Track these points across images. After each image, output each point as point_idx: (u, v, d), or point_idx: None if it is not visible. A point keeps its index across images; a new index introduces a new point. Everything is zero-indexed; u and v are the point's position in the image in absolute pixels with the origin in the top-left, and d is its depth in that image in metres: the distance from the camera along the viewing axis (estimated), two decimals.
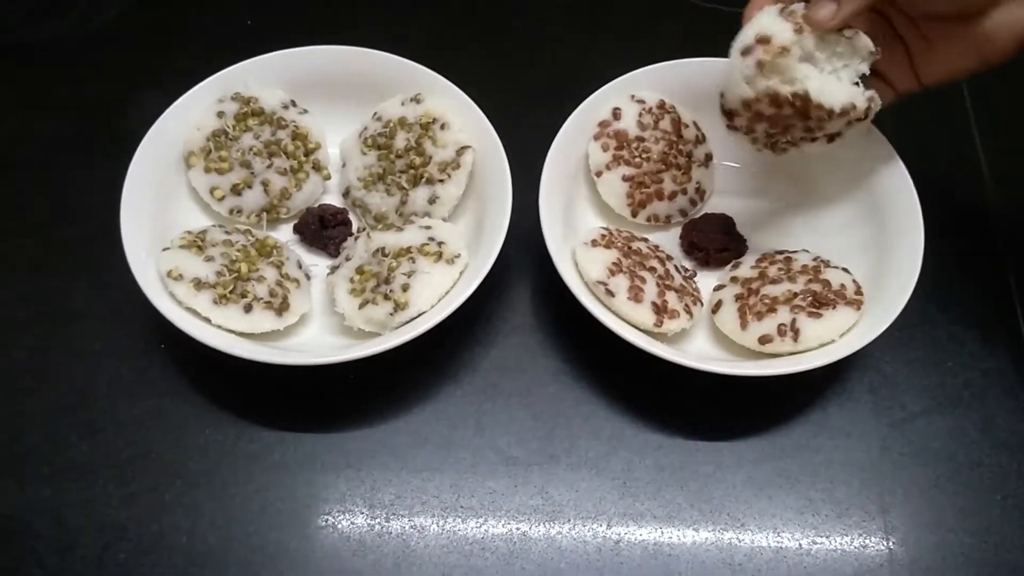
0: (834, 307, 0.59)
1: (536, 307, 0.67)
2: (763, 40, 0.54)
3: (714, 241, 0.67)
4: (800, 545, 0.58)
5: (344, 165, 0.69)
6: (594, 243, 0.61)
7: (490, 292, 0.66)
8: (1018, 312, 0.67)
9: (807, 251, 0.65)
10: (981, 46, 0.53)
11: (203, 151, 0.66)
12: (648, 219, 0.68)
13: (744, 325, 0.60)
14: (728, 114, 0.59)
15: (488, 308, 0.66)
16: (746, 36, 0.55)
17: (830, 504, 0.59)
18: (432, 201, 0.65)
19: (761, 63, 0.54)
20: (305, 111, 0.69)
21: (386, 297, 0.59)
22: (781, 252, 0.65)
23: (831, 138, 0.60)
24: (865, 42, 0.55)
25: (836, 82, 0.56)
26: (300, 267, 0.65)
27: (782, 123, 0.57)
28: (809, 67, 0.55)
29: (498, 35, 0.82)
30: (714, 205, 0.70)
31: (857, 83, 0.57)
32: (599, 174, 0.66)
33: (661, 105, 0.68)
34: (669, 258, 0.65)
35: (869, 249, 0.64)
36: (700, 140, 0.69)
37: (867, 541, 0.58)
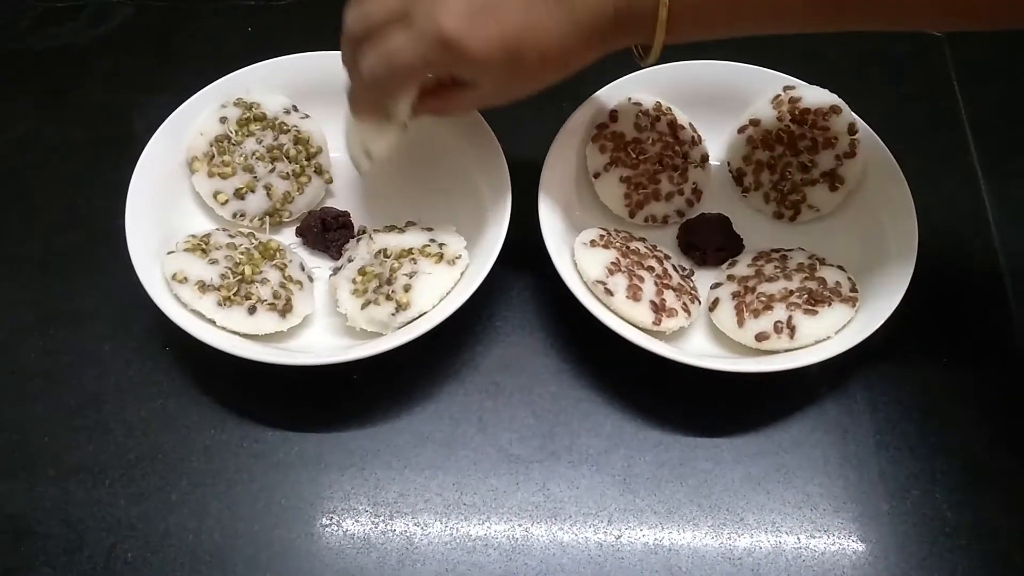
0: (829, 304, 0.60)
1: (536, 307, 0.67)
2: (754, 123, 0.69)
3: (711, 240, 0.67)
4: (798, 540, 0.59)
5: None
6: (593, 243, 0.62)
7: (491, 292, 0.67)
8: (1012, 308, 0.67)
9: (803, 249, 0.66)
10: None
11: (206, 156, 0.66)
12: (646, 219, 0.68)
13: (741, 323, 0.61)
14: (737, 178, 0.70)
15: (489, 308, 0.67)
16: (742, 119, 0.69)
17: (828, 499, 0.60)
18: None
19: (751, 138, 0.69)
20: (306, 116, 0.70)
21: (388, 298, 0.60)
22: (777, 250, 0.66)
23: (832, 184, 0.66)
24: None
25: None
26: (303, 269, 0.66)
27: (778, 163, 0.68)
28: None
29: None
30: (710, 205, 0.70)
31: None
32: (597, 175, 0.67)
33: (658, 107, 0.68)
34: (667, 257, 0.66)
35: (864, 246, 0.65)
36: (696, 141, 0.70)
37: (865, 536, 0.59)
